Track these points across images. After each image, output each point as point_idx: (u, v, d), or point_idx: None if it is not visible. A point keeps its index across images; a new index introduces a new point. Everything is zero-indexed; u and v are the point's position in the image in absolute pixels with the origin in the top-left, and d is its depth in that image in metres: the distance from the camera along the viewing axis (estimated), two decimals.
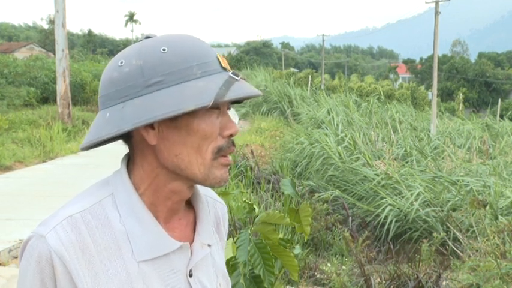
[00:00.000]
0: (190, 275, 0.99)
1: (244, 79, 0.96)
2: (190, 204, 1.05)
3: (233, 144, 0.97)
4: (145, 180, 0.96)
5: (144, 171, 0.96)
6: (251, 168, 9.41)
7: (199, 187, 1.06)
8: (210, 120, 0.93)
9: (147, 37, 0.96)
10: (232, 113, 22.88)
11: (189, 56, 0.92)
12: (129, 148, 0.99)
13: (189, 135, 0.92)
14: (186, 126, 0.92)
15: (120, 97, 0.91)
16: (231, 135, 0.96)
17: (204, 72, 0.91)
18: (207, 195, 1.12)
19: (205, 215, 1.05)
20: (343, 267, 5.74)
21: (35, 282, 0.89)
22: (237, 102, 0.98)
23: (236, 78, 0.92)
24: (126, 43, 79.51)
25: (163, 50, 0.92)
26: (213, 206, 1.13)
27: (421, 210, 7.42)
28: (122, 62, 0.93)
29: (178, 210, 1.01)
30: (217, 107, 0.94)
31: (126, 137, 0.96)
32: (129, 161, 1.00)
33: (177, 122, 0.92)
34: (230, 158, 0.97)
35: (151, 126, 0.92)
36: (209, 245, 1.04)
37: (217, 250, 1.10)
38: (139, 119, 0.88)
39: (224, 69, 0.94)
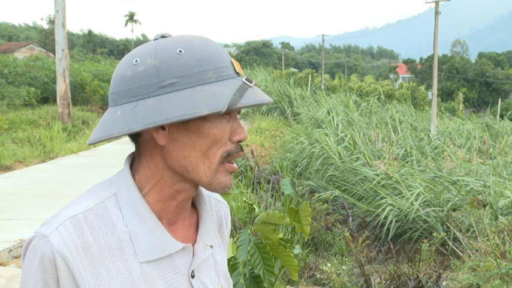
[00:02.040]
0: (193, 276, 0.99)
1: (256, 85, 0.96)
2: (193, 205, 1.05)
3: (241, 149, 0.97)
4: (150, 180, 0.96)
5: (150, 170, 0.96)
6: (251, 168, 9.40)
7: (201, 188, 1.05)
8: (221, 125, 0.93)
9: (162, 36, 0.95)
10: None
11: (205, 59, 0.91)
12: (136, 147, 0.98)
13: (199, 139, 0.92)
14: (197, 129, 0.92)
15: (132, 95, 0.91)
16: (240, 141, 0.96)
17: (218, 77, 0.91)
18: (209, 195, 1.11)
19: (207, 216, 1.05)
20: (343, 267, 5.74)
21: (37, 282, 0.89)
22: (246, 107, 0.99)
23: (249, 84, 0.92)
24: (126, 43, 79.46)
25: (180, 51, 0.91)
26: (215, 206, 1.13)
27: (421, 210, 7.42)
28: (136, 61, 0.92)
29: (183, 210, 1.01)
30: (228, 112, 0.93)
31: (135, 135, 0.96)
32: (134, 160, 0.99)
33: (188, 124, 0.91)
34: (235, 165, 0.97)
35: (161, 126, 0.92)
36: (211, 246, 1.04)
37: (219, 251, 1.09)
38: (150, 120, 0.88)
39: (238, 74, 0.94)
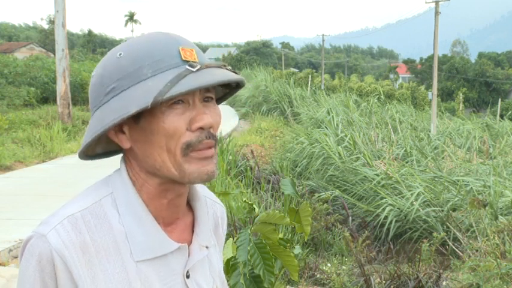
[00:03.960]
0: (188, 276, 0.99)
1: (225, 66, 0.91)
2: (188, 205, 1.04)
3: (209, 137, 0.91)
4: (136, 182, 0.96)
5: (133, 174, 0.96)
6: (251, 168, 9.40)
7: (197, 188, 1.05)
8: (171, 117, 0.88)
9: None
10: (233, 113, 22.90)
11: (140, 56, 0.88)
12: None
13: (153, 135, 0.90)
14: (149, 126, 0.90)
15: (92, 107, 0.94)
16: (202, 128, 0.90)
17: (155, 71, 0.87)
18: (206, 196, 1.11)
19: (203, 216, 1.04)
20: (343, 267, 5.74)
21: (35, 281, 0.89)
22: (224, 96, 1.00)
23: (191, 69, 0.87)
24: None
25: (120, 54, 0.90)
26: (211, 207, 1.12)
27: (421, 210, 7.42)
28: (93, 73, 0.94)
29: (178, 209, 1.00)
30: (180, 101, 0.89)
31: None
32: None
33: (140, 123, 0.90)
34: (209, 151, 0.91)
35: (121, 130, 0.92)
36: (207, 247, 1.04)
37: (214, 252, 1.09)
38: (94, 130, 0.89)
39: (185, 62, 0.89)
